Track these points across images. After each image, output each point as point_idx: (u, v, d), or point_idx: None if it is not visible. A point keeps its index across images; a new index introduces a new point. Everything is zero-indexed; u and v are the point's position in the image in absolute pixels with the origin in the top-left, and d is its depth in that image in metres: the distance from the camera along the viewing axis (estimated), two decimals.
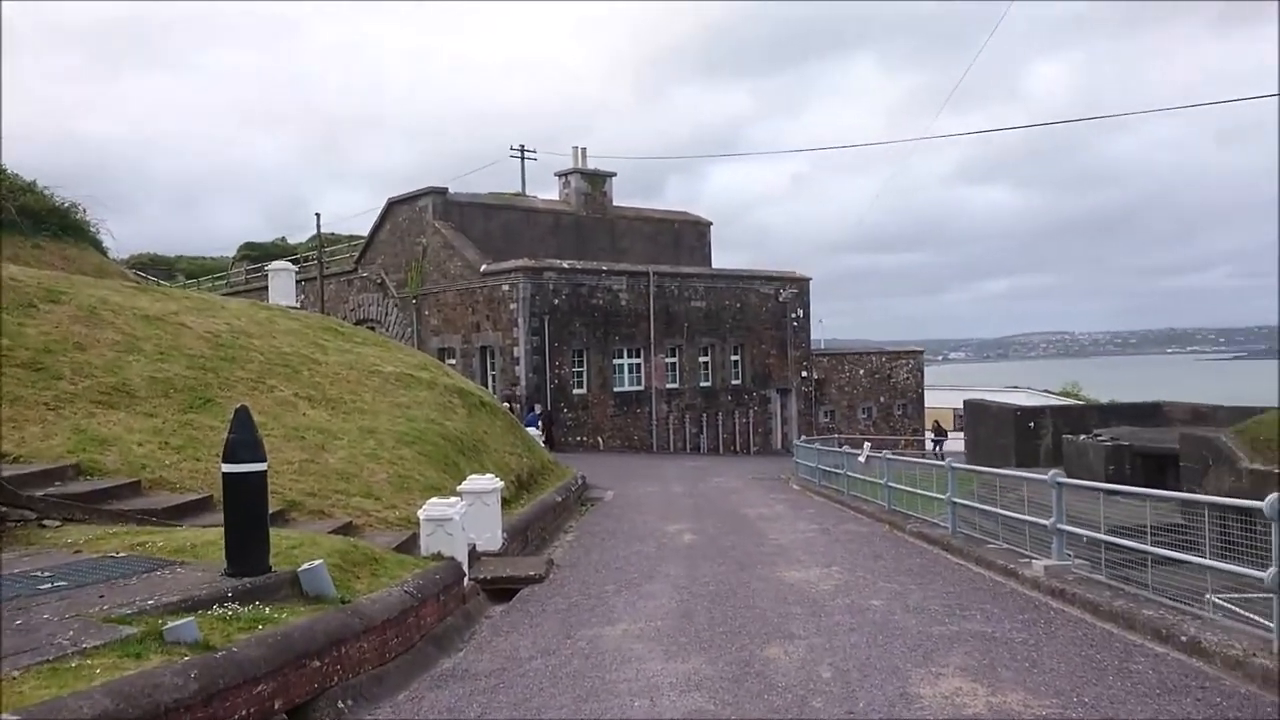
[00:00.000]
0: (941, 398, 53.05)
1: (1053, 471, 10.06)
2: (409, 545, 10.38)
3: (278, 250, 60.36)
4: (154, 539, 8.32)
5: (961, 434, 41.94)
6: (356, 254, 45.39)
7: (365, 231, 45.19)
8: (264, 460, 7.25)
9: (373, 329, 37.94)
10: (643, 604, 9.27)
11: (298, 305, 23.80)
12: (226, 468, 7.13)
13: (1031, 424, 30.21)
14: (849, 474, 19.66)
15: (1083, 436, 26.56)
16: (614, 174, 45.39)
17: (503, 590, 10.79)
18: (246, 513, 7.13)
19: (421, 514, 10.12)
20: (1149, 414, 30.14)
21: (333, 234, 57.72)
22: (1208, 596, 9.48)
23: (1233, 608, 8.99)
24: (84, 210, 21.45)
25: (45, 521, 9.09)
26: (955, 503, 13.18)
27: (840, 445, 23.07)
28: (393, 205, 42.12)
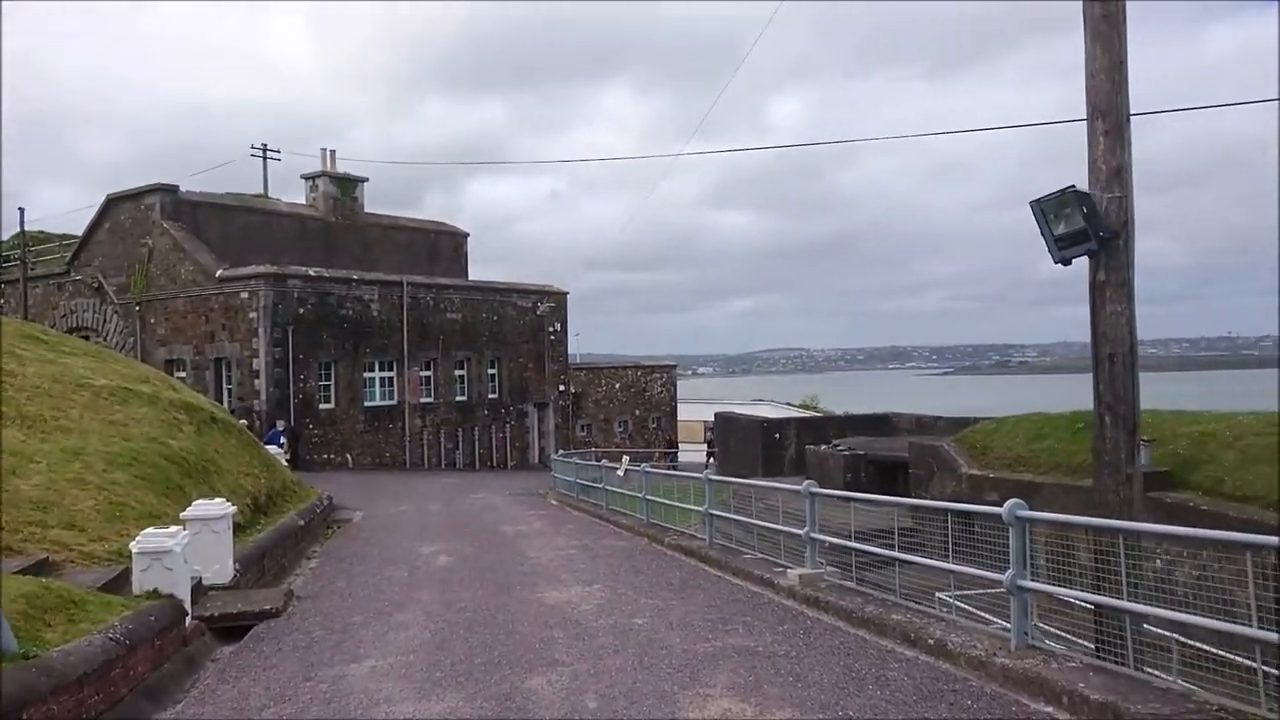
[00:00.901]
0: (693, 410, 54.77)
1: (806, 482, 10.30)
2: (120, 583, 9.09)
3: None
4: None
5: (706, 445, 43.43)
6: (69, 255, 40.76)
7: (81, 231, 40.68)
8: None
9: (87, 338, 34.10)
10: (394, 636, 8.56)
11: None
12: None
13: (777, 435, 31.67)
14: (608, 488, 19.60)
15: (823, 446, 28.10)
16: (366, 179, 43.54)
17: (234, 628, 9.70)
18: None
19: (134, 546, 8.89)
20: (880, 425, 32.40)
21: (42, 232, 51.61)
22: (938, 595, 10.03)
23: (957, 603, 9.53)
24: None
25: None
26: (712, 515, 13.32)
27: (599, 459, 23.06)
28: (113, 202, 38.18)
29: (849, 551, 9.88)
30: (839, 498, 10.53)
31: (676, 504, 15.61)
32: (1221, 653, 7.76)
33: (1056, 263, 7.20)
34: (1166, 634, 7.26)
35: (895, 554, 8.84)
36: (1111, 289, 7.13)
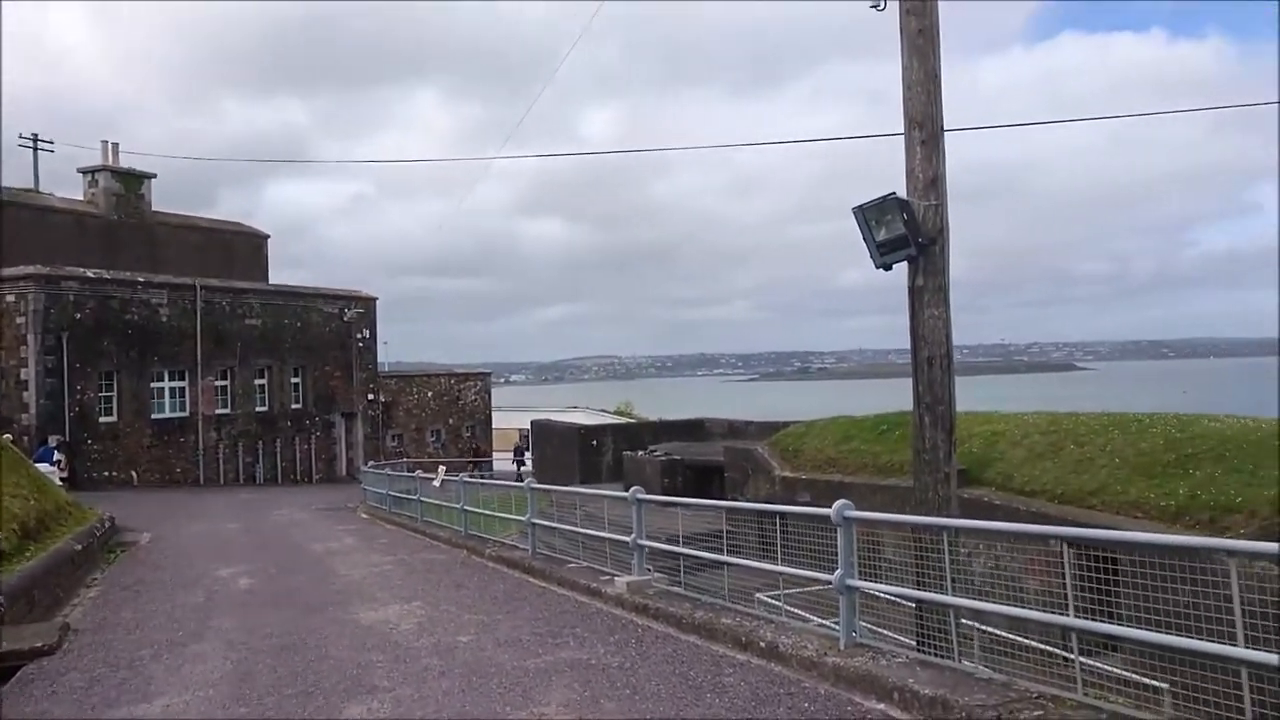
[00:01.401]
0: (508, 418, 54.11)
1: (634, 488, 10.18)
2: None
3: None
4: None
5: (513, 453, 42.97)
6: None
7: None
8: None
9: None
10: (190, 669, 7.78)
11: None
12: None
13: (594, 442, 31.65)
14: (423, 499, 18.90)
15: (640, 452, 28.29)
16: (153, 175, 40.38)
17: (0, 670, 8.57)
18: None
19: None
20: (694, 430, 32.99)
21: None
22: (757, 596, 10.15)
23: (781, 604, 9.66)
24: None
25: None
26: (535, 524, 13.02)
27: (412, 470, 22.26)
28: None
29: (676, 557, 9.83)
30: (666, 504, 10.46)
31: (497, 514, 15.20)
32: (1014, 637, 8.20)
33: (878, 267, 7.39)
34: (968, 623, 7.55)
35: (723, 558, 8.85)
36: (929, 294, 7.38)
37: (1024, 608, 6.34)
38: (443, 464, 23.50)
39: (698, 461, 26.08)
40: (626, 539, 10.02)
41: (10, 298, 30.34)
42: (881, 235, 7.30)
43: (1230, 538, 10.63)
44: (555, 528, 12.80)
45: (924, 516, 7.17)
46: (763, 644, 7.28)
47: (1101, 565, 7.50)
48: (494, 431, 50.77)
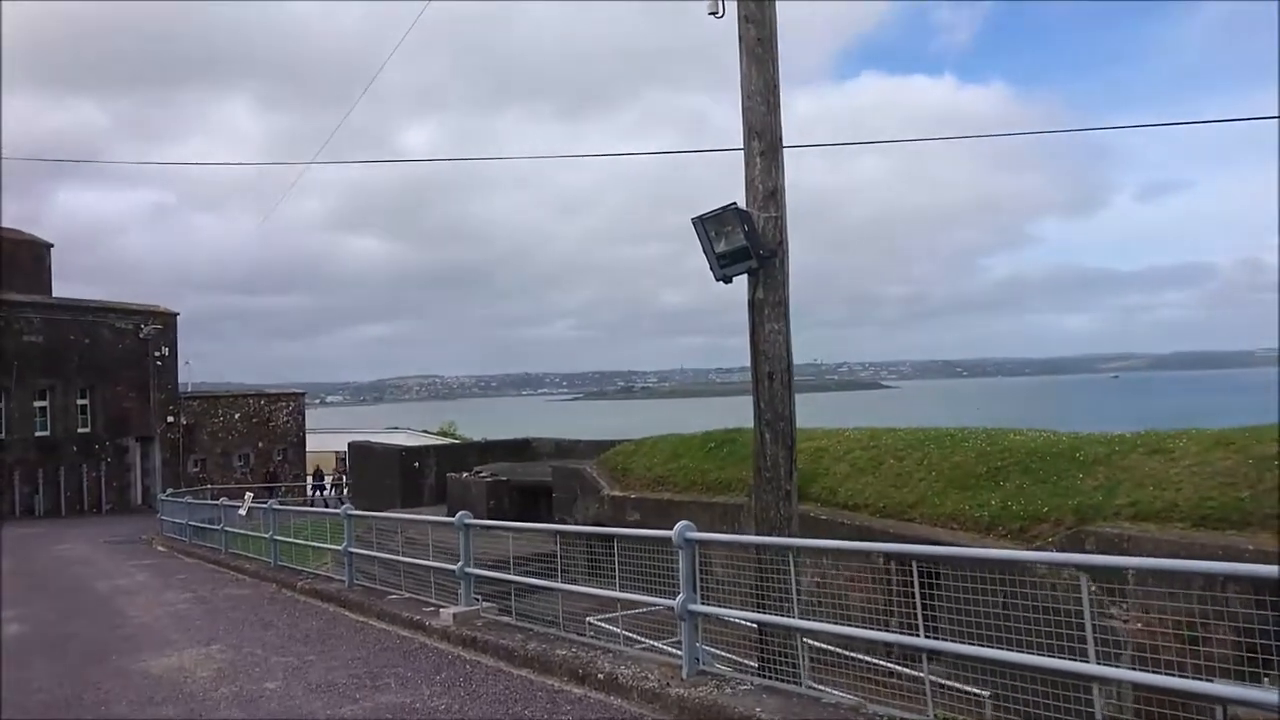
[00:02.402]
0: (323, 441, 51.64)
1: (461, 513, 9.58)
2: None
3: None
4: None
5: (331, 477, 41.06)
6: None
7: None
8: None
9: None
10: None
11: None
12: None
13: (416, 464, 30.49)
14: (227, 529, 17.50)
15: (465, 474, 27.39)
16: None
17: None
18: None
19: None
20: (521, 450, 32.34)
21: None
22: (589, 620, 9.77)
23: (608, 627, 9.32)
24: None
25: None
26: (352, 553, 12.16)
27: (217, 497, 20.62)
28: None
29: (506, 584, 9.31)
30: (495, 528, 9.91)
31: (310, 543, 14.17)
32: (846, 653, 8.18)
33: (718, 280, 7.18)
34: (810, 643, 7.44)
35: (558, 584, 8.41)
36: (769, 308, 7.23)
37: (872, 628, 6.23)
38: (250, 490, 21.94)
39: (525, 482, 25.50)
40: (453, 567, 9.42)
41: None
42: (721, 246, 7.10)
43: (1038, 547, 11.12)
44: (375, 556, 11.98)
45: (767, 536, 6.99)
46: (601, 676, 6.88)
47: (926, 578, 7.57)
48: (308, 454, 48.30)
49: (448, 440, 47.13)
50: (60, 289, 40.81)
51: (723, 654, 8.35)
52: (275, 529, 14.82)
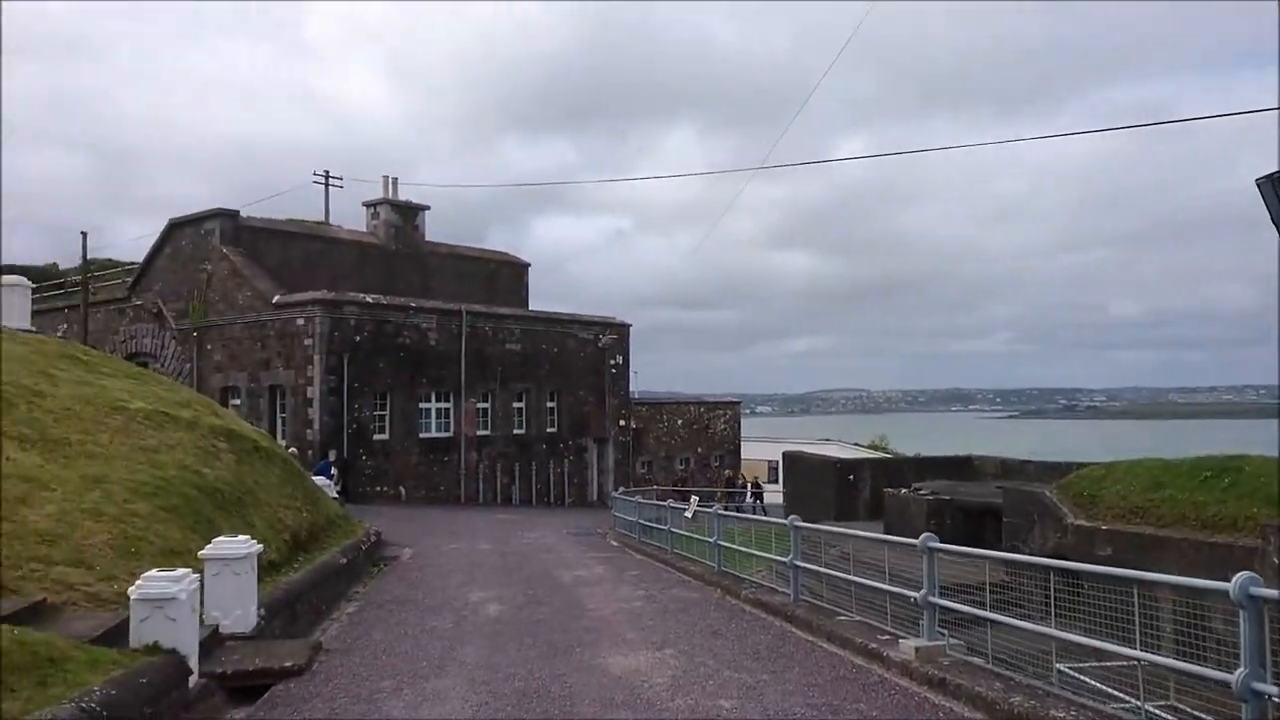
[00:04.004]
0: (755, 449, 52.93)
1: (924, 535, 8.65)
2: (120, 632, 7.81)
3: (44, 274, 53.91)
4: None
5: (772, 486, 41.56)
6: (131, 280, 40.66)
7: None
8: None
9: (145, 364, 33.66)
10: (428, 710, 7.12)
11: (32, 328, 20.09)
12: None
13: (851, 476, 29.78)
14: (673, 530, 18.04)
15: (903, 490, 26.17)
16: (427, 207, 42.90)
17: (251, 687, 8.36)
18: None
19: (134, 592, 7.61)
20: (961, 468, 30.32)
21: (110, 260, 52.09)
22: (1058, 667, 8.28)
23: (1081, 677, 7.78)
24: None
25: None
26: (798, 566, 11.70)
27: (667, 499, 21.50)
28: (175, 227, 37.96)
29: (972, 618, 8.20)
30: (962, 554, 8.77)
31: (752, 551, 14.00)
32: None
33: None
34: None
35: (1051, 630, 7.15)
36: None
37: None
38: (695, 494, 22.60)
39: (969, 503, 23.65)
40: (912, 593, 8.52)
41: (300, 321, 32.76)
42: None
43: None
44: (822, 572, 11.39)
45: None
46: None
47: None
48: (742, 461, 49.72)
49: (880, 454, 45.91)
50: (534, 304, 45.99)
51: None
52: (720, 534, 14.87)
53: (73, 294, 43.92)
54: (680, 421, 47.05)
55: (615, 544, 21.70)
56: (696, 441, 47.52)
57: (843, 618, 10.28)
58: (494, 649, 9.37)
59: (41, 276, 49.98)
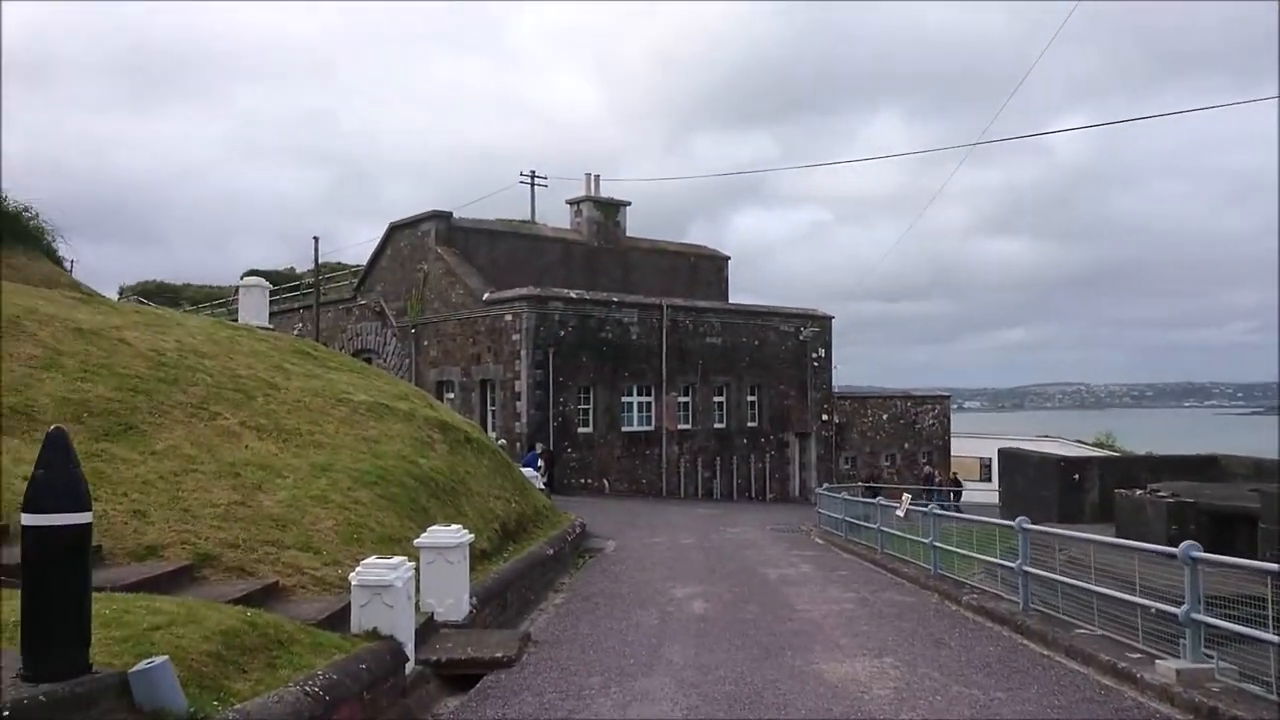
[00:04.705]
0: (964, 445, 50.44)
1: (1185, 543, 7.64)
2: (342, 617, 8.06)
3: (282, 277, 58.60)
4: None
5: (982, 484, 39.37)
6: (357, 281, 43.42)
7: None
8: (86, 509, 4.96)
9: (369, 360, 35.82)
10: (636, 710, 6.90)
11: (270, 326, 21.62)
12: (28, 519, 4.85)
13: (1076, 476, 27.65)
14: (883, 529, 17.23)
15: (1138, 491, 24.02)
16: (628, 203, 43.41)
17: (463, 676, 8.45)
18: (55, 587, 4.84)
19: (354, 578, 7.81)
20: (1203, 468, 27.52)
21: (339, 263, 55.99)
22: None
23: None
24: (37, 216, 19.34)
25: None
26: (1027, 572, 10.77)
27: (875, 495, 20.58)
28: (394, 230, 40.18)
29: (1226, 631, 7.15)
30: (1238, 566, 7.63)
31: (975, 555, 13.08)
32: None
33: None
34: None
35: None
36: None
37: None
38: (907, 492, 21.59)
39: (1217, 507, 21.34)
40: (1171, 608, 7.55)
41: (508, 317, 33.86)
42: None
43: None
44: (1057, 580, 10.39)
45: None
46: None
47: None
48: (952, 459, 47.51)
49: (1107, 453, 42.63)
50: (734, 297, 45.66)
51: None
52: (936, 534, 14.01)
53: (307, 295, 47.46)
54: (885, 416, 45.47)
55: (820, 541, 21.04)
56: (903, 436, 45.78)
57: (1082, 631, 9.32)
58: (701, 648, 9.08)
59: (280, 280, 54.36)
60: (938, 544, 13.95)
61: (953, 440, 48.41)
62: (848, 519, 20.35)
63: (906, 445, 45.73)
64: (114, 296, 37.53)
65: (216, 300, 60.12)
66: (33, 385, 10.90)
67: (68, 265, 22.38)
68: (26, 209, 19.32)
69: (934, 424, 46.84)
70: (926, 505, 15.89)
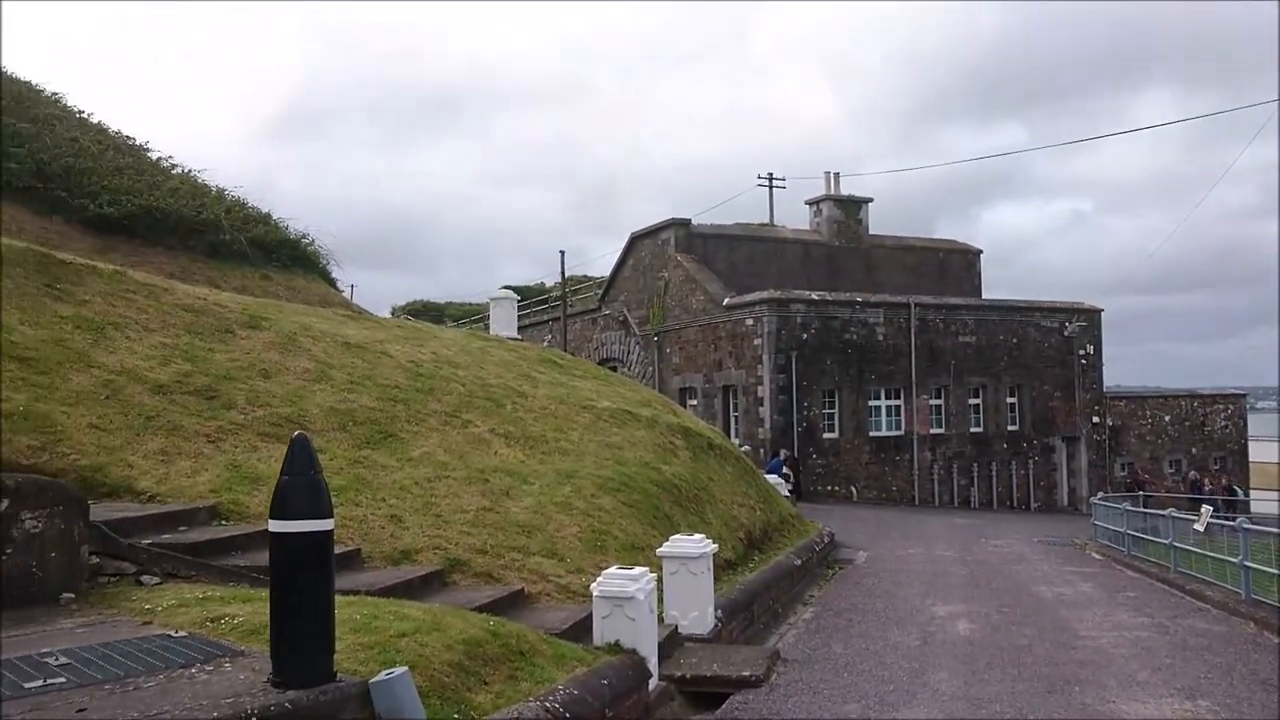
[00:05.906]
0: (1263, 450, 44.66)
1: None
2: (584, 626, 7.86)
3: (533, 292, 61.36)
4: (237, 611, 6.26)
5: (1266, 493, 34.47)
6: (601, 292, 44.56)
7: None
8: (328, 515, 4.93)
9: (614, 368, 36.52)
10: None
11: (519, 337, 22.35)
12: (274, 525, 4.88)
13: None
14: (1175, 545, 15.25)
15: None
16: (870, 200, 41.82)
17: (708, 694, 8.03)
18: (300, 593, 4.84)
19: (595, 589, 7.58)
20: None
21: (585, 275, 57.90)
22: None
23: None
24: (314, 241, 21.05)
25: (144, 577, 7.32)
26: None
27: (1166, 507, 18.30)
28: (635, 240, 40.83)
29: None
30: None
31: None
32: None
33: None
34: None
35: None
36: None
37: None
38: (1207, 504, 19.15)
39: None
40: None
41: (749, 321, 33.43)
42: None
43: None
44: None
45: None
46: None
47: None
48: (1250, 465, 42.25)
49: None
50: (987, 294, 42.91)
51: None
52: (1247, 552, 12.13)
53: (554, 307, 49.29)
54: (1168, 418, 41.06)
55: (1098, 557, 19.04)
56: (1190, 441, 41.16)
57: None
58: (971, 677, 8.16)
59: (530, 294, 56.90)
60: (1249, 564, 12.07)
61: (1250, 444, 43.04)
62: (1130, 532, 18.29)
63: (1195, 451, 41.06)
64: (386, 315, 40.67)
65: (474, 316, 63.87)
66: (305, 396, 11.56)
67: (346, 289, 24.26)
68: (304, 236, 21.08)
69: (1227, 426, 41.81)
70: (1235, 520, 13.85)
